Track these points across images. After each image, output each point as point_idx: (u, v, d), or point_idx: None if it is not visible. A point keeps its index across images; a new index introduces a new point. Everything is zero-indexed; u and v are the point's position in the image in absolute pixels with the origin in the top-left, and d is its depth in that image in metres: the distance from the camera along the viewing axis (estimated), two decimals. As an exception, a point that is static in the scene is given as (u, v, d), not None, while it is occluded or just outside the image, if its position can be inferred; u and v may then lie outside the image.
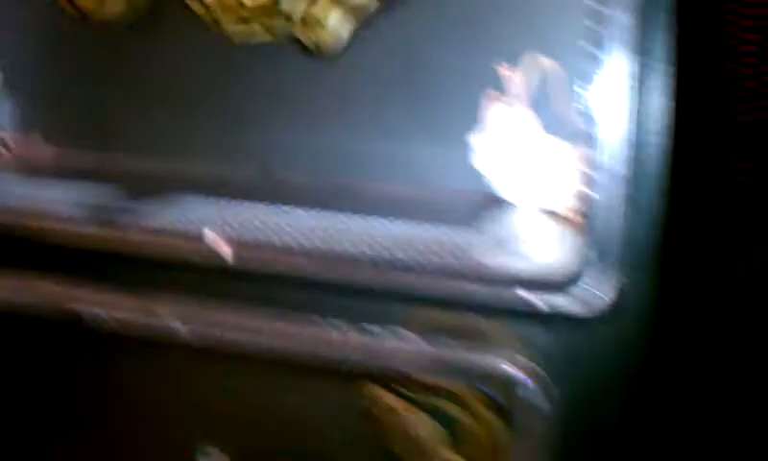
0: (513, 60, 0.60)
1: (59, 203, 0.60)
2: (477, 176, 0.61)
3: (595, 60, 0.52)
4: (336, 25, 0.61)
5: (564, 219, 0.57)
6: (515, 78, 0.61)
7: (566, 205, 0.57)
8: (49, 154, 0.79)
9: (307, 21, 0.61)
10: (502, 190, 0.60)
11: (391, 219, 0.55)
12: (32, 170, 0.76)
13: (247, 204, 0.58)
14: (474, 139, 0.61)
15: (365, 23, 0.63)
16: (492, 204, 0.60)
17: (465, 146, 0.61)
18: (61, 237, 0.56)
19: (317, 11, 0.61)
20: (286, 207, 0.58)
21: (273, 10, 0.61)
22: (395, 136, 0.66)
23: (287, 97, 0.69)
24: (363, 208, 0.61)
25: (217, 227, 0.52)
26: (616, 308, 0.49)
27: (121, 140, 0.75)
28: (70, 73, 0.78)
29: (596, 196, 0.50)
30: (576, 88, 0.57)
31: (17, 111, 0.80)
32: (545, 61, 0.60)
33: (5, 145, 0.80)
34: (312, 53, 0.62)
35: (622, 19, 0.52)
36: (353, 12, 0.61)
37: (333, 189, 0.67)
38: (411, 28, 0.64)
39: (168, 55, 0.73)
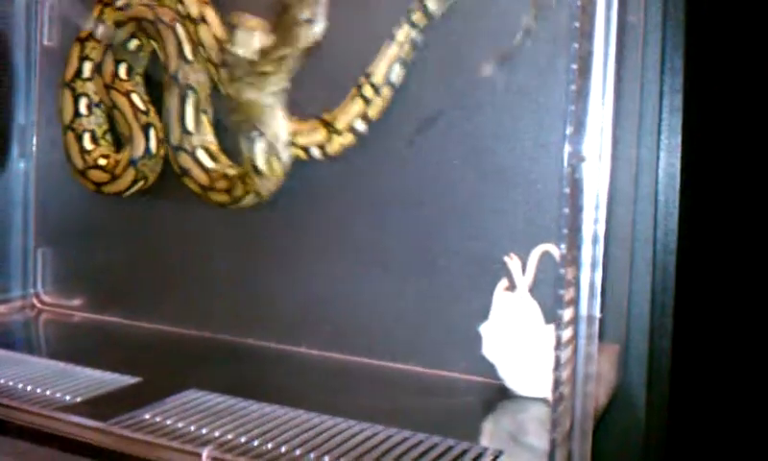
0: (521, 249, 0.61)
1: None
2: (486, 364, 0.62)
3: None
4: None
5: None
6: (520, 266, 0.61)
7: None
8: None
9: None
10: (506, 379, 0.62)
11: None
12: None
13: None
14: (483, 328, 0.62)
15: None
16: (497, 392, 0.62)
17: (475, 334, 0.62)
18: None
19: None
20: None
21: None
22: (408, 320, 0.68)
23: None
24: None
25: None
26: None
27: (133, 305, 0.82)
28: (93, 237, 0.81)
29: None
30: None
31: (51, 270, 0.84)
32: (550, 249, 0.60)
33: (40, 301, 0.85)
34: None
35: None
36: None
37: (345, 368, 0.69)
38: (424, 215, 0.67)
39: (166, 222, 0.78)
